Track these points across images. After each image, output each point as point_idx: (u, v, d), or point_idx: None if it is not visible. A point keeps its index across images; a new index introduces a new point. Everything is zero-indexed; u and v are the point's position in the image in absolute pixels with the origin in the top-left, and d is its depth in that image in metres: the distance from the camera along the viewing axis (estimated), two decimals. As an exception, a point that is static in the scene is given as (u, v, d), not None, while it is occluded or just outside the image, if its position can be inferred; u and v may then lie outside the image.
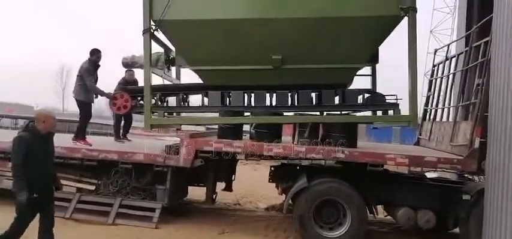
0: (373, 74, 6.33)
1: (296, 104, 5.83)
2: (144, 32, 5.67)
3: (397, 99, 5.64)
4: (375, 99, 5.77)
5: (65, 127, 19.97)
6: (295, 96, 5.82)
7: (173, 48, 6.43)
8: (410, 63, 5.27)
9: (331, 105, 5.76)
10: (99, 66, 7.16)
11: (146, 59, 5.77)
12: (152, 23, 5.61)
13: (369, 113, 6.06)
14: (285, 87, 5.79)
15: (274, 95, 5.78)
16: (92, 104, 7.32)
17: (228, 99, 5.96)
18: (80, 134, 6.85)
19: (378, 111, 5.90)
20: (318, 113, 5.95)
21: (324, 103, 5.72)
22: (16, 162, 3.72)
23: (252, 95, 5.94)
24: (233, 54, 5.55)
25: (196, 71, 6.10)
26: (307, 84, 5.71)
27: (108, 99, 7.11)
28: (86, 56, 7.08)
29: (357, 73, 6.15)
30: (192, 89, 6.41)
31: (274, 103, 5.82)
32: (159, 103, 6.23)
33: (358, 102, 5.87)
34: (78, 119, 7.41)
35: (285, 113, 6.05)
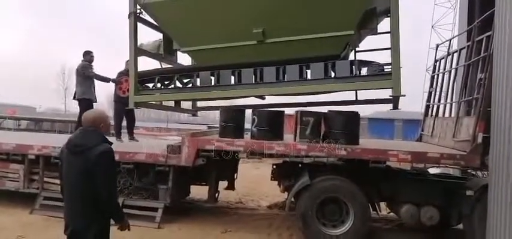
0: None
1: (285, 79, 5.64)
2: (129, 16, 5.85)
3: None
4: (371, 69, 5.47)
5: (68, 128, 20.07)
6: (283, 72, 5.64)
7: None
8: (392, 26, 5.06)
9: (320, 78, 5.47)
10: (92, 67, 7.47)
11: (131, 42, 5.95)
12: (137, 6, 5.82)
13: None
14: (273, 64, 5.66)
15: (261, 72, 5.67)
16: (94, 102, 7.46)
17: (217, 78, 5.94)
18: None
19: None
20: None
21: (312, 77, 5.54)
22: (116, 188, 2.93)
23: (241, 72, 5.83)
24: (217, 32, 5.57)
25: (187, 53, 6.24)
26: (295, 59, 5.56)
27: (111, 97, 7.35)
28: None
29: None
30: (186, 71, 6.49)
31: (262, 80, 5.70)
32: (159, 86, 6.37)
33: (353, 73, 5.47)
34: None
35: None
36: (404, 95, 5.07)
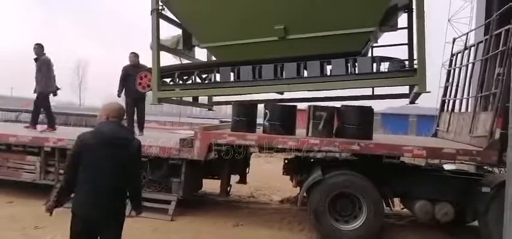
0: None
1: (305, 75, 5.59)
2: (151, 12, 5.88)
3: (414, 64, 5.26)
4: (393, 66, 5.34)
5: (82, 121, 20.37)
6: (304, 68, 5.58)
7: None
8: (417, 21, 4.90)
9: (341, 75, 5.38)
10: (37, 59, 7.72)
11: (153, 38, 5.97)
12: (159, 2, 5.84)
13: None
14: (294, 60, 5.60)
15: (281, 68, 5.62)
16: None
17: (237, 74, 5.91)
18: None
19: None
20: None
21: (333, 73, 5.46)
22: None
23: (261, 68, 5.77)
24: (238, 28, 5.55)
25: (207, 49, 6.29)
26: (316, 55, 5.48)
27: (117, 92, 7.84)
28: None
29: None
30: (206, 66, 6.49)
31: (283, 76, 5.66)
32: (177, 81, 6.36)
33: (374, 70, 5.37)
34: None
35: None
36: (430, 91, 4.98)
